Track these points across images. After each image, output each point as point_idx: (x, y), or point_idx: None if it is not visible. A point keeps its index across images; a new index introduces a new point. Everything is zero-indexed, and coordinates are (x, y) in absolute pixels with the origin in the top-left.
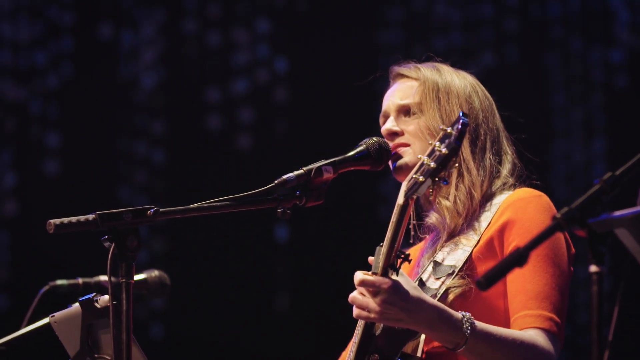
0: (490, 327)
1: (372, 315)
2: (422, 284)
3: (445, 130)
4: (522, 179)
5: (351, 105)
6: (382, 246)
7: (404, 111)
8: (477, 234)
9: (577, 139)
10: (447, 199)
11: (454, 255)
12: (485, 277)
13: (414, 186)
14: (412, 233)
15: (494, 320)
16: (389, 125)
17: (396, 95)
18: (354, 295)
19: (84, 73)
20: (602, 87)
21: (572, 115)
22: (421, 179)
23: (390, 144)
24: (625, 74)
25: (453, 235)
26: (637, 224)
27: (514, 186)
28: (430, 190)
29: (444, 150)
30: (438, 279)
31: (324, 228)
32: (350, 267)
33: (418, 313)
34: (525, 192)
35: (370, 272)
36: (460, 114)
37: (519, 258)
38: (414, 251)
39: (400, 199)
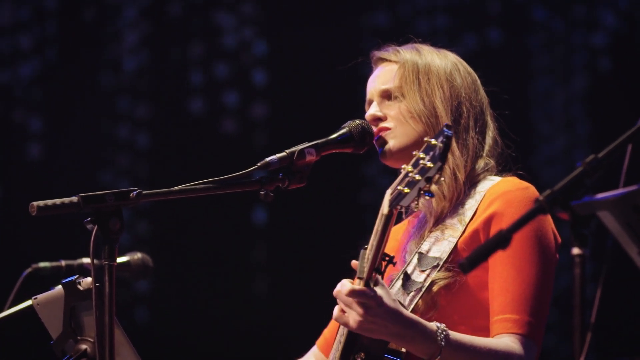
0: (465, 337)
1: (351, 324)
2: (407, 277)
3: (430, 141)
4: (503, 159)
5: (334, 87)
6: (366, 249)
7: (386, 96)
8: (463, 224)
9: (560, 122)
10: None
11: (439, 247)
12: (468, 259)
13: (398, 197)
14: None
15: (479, 310)
16: (372, 110)
17: (377, 80)
18: (340, 299)
19: (68, 56)
20: (585, 70)
21: (555, 98)
22: (406, 190)
23: (375, 128)
24: (609, 57)
25: (439, 220)
26: (620, 206)
27: (499, 172)
28: (415, 202)
29: (428, 164)
30: (423, 271)
31: (305, 211)
32: (330, 251)
33: (394, 325)
34: (512, 183)
35: (354, 279)
36: (444, 126)
37: (502, 240)
38: (397, 230)
39: (385, 209)
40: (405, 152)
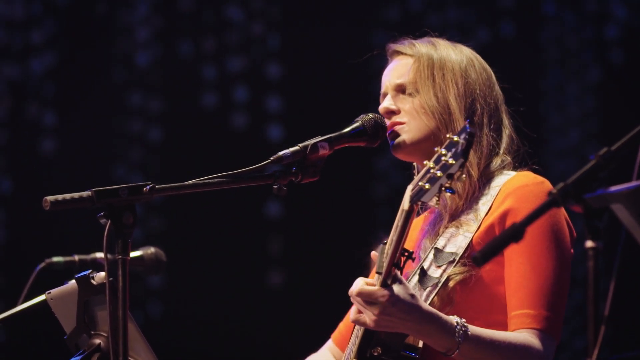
0: (484, 331)
1: (368, 323)
2: (423, 272)
3: (452, 138)
4: (519, 156)
5: (347, 81)
6: (386, 244)
7: (401, 90)
8: (478, 220)
9: (572, 116)
10: None
11: (455, 242)
12: (482, 252)
13: (420, 192)
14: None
15: (495, 305)
16: (386, 103)
17: (392, 74)
18: (354, 300)
19: (80, 51)
20: (597, 63)
21: (567, 92)
22: (427, 186)
23: (388, 122)
24: (620, 50)
25: (454, 216)
26: (633, 199)
27: (514, 167)
28: (436, 197)
29: (450, 160)
30: (439, 267)
31: (318, 205)
32: (343, 245)
33: (412, 321)
34: (527, 178)
35: (370, 279)
36: (467, 123)
37: (515, 233)
38: (413, 226)
39: (405, 205)
40: (417, 147)
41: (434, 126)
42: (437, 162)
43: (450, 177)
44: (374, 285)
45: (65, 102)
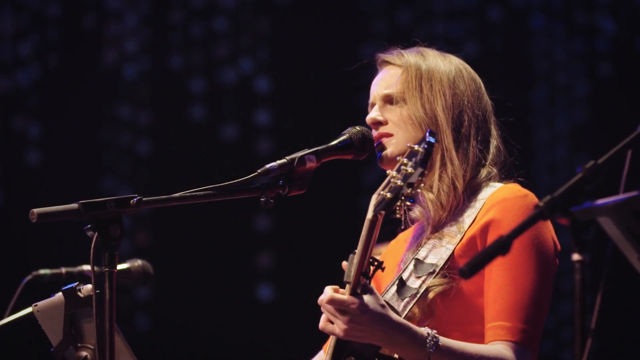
0: (455, 343)
1: (338, 332)
2: (402, 283)
3: (413, 147)
4: (506, 168)
5: (335, 94)
6: (355, 254)
7: (388, 100)
8: (461, 232)
9: (561, 129)
10: (431, 191)
11: (436, 253)
12: (468, 266)
13: (382, 202)
14: (403, 219)
15: (475, 317)
16: (373, 114)
17: (381, 84)
18: (324, 308)
19: (68, 63)
20: (586, 76)
21: (556, 105)
22: (389, 195)
23: (375, 132)
24: (610, 63)
25: (437, 228)
26: (620, 212)
27: (501, 179)
28: (398, 207)
29: (409, 170)
30: (419, 277)
31: (306, 218)
32: (331, 257)
33: (382, 331)
34: (511, 190)
35: (342, 289)
36: (427, 133)
37: (502, 247)
38: (403, 237)
39: (369, 214)
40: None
41: (422, 137)
42: (398, 171)
43: (410, 186)
44: (344, 294)
45: (53, 114)
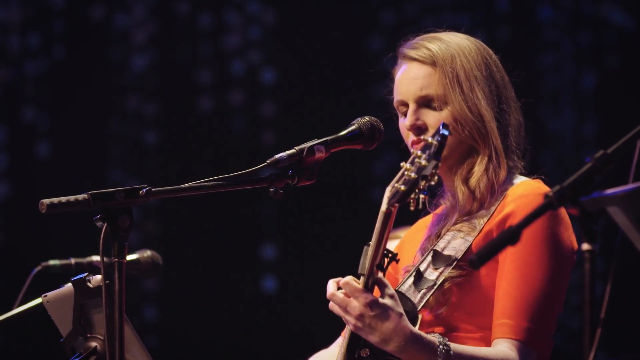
0: (466, 349)
1: (348, 318)
2: (419, 275)
3: (427, 140)
4: (526, 158)
5: (343, 86)
6: (369, 246)
7: (425, 103)
8: (480, 225)
9: (569, 120)
10: (466, 184)
11: (455, 245)
12: (478, 255)
13: (396, 195)
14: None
15: (488, 309)
16: (412, 120)
17: (413, 83)
18: (335, 293)
19: (76, 55)
20: (593, 67)
21: (563, 96)
22: (402, 188)
23: (414, 137)
24: (617, 54)
25: (460, 220)
26: (629, 201)
27: (525, 173)
28: (412, 199)
29: (423, 162)
30: (436, 269)
31: (315, 209)
32: (340, 249)
33: (396, 343)
34: (531, 187)
35: (358, 278)
36: (441, 125)
37: (512, 236)
38: (424, 223)
39: (383, 207)
40: (453, 161)
41: (468, 138)
42: (412, 163)
43: (424, 178)
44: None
45: (61, 105)
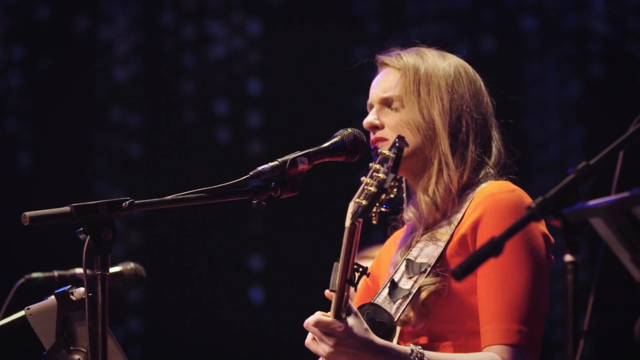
0: (442, 356)
1: (322, 353)
2: (394, 285)
3: (384, 153)
4: (504, 169)
5: (328, 96)
6: (339, 262)
7: (386, 103)
8: (451, 229)
9: (553, 130)
10: (427, 193)
11: (427, 252)
12: (461, 267)
13: (358, 210)
14: (399, 216)
15: (469, 315)
16: (370, 118)
17: (379, 86)
18: (310, 330)
19: (59, 66)
20: (578, 77)
21: (548, 106)
22: (364, 202)
23: (372, 136)
24: (601, 64)
25: (429, 228)
26: (612, 213)
27: (494, 178)
28: (374, 213)
29: (382, 176)
30: (410, 278)
31: (300, 220)
32: (325, 260)
33: (365, 355)
34: (499, 186)
35: (327, 313)
36: (397, 138)
37: (494, 248)
38: (399, 235)
39: (347, 222)
40: (414, 171)
41: (419, 142)
42: (371, 177)
43: (384, 191)
44: (329, 317)
45: (45, 116)
